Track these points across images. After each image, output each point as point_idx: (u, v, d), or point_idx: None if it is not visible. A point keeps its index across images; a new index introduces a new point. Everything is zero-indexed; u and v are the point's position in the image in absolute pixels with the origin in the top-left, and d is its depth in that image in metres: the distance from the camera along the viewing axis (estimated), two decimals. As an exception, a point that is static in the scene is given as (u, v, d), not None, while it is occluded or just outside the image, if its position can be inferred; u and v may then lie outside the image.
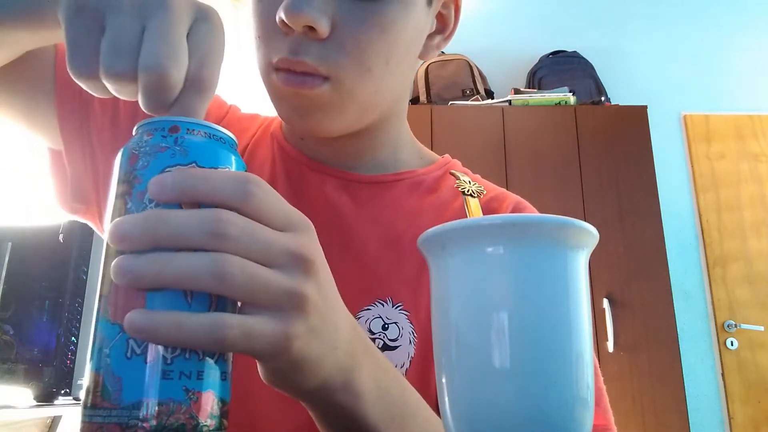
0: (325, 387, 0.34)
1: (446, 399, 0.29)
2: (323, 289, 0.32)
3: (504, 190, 0.65)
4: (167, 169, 0.30)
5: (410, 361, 0.52)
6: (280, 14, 0.45)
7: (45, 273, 1.68)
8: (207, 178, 0.29)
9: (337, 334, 0.34)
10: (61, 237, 1.73)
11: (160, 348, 0.28)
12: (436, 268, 0.31)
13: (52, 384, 1.94)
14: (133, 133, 0.32)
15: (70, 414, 1.83)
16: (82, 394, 0.29)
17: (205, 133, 0.31)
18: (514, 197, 0.64)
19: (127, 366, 0.27)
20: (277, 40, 0.48)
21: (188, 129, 0.31)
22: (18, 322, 1.87)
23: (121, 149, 0.32)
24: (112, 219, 0.30)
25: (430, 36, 0.57)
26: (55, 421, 1.80)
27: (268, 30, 0.48)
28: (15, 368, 1.82)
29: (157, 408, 0.27)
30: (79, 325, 2.10)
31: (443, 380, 0.30)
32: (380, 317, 0.53)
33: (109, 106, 0.57)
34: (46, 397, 1.85)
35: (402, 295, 0.54)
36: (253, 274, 0.28)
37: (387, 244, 0.56)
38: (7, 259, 1.76)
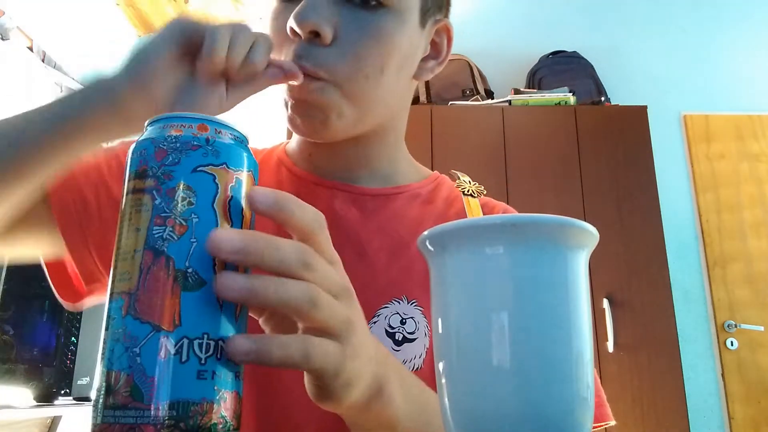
0: (364, 397, 0.37)
1: (446, 399, 0.29)
2: (359, 314, 0.36)
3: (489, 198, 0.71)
4: (200, 168, 0.30)
5: (426, 351, 0.57)
6: (290, 23, 0.52)
7: (45, 273, 1.68)
8: (298, 205, 0.32)
9: (369, 348, 0.37)
10: (61, 237, 1.72)
11: (194, 347, 0.28)
12: (436, 268, 0.31)
13: (52, 384, 1.94)
14: (149, 126, 0.32)
15: (70, 414, 1.83)
16: (95, 394, 0.28)
17: (231, 135, 0.32)
18: (502, 204, 0.70)
19: (161, 366, 0.27)
20: (287, 47, 0.54)
21: (216, 129, 0.31)
22: (18, 322, 1.87)
23: (140, 142, 0.31)
24: (133, 212, 0.29)
25: (425, 59, 0.63)
26: (55, 421, 1.80)
27: (280, 41, 0.54)
28: (15, 368, 1.82)
29: (191, 408, 0.27)
30: (79, 325, 2.10)
31: (443, 380, 0.30)
32: (398, 313, 0.57)
33: (102, 192, 0.58)
34: (46, 397, 1.85)
35: (415, 293, 0.59)
36: (331, 302, 0.32)
37: (396, 251, 0.61)
38: (7, 259, 1.76)
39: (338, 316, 0.33)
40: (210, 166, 0.30)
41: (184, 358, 0.28)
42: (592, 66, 2.80)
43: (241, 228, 0.31)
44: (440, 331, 0.30)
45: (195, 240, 0.29)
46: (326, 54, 0.52)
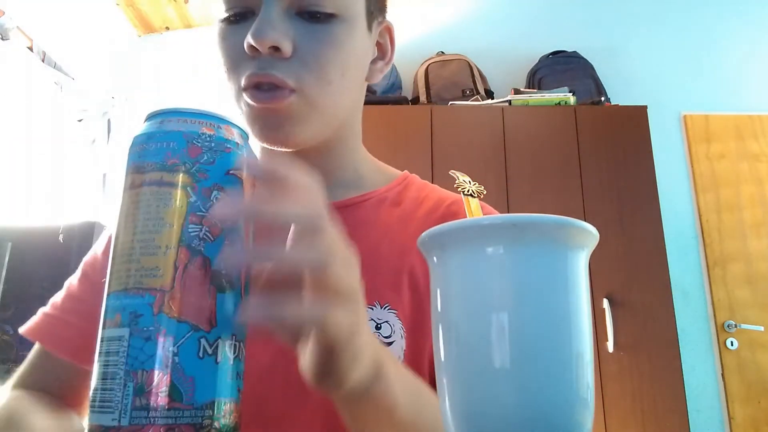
0: (365, 379, 0.36)
1: (446, 399, 0.29)
2: (362, 284, 0.36)
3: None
4: (231, 172, 0.31)
5: (404, 353, 0.58)
6: (248, 40, 0.52)
7: (45, 273, 1.68)
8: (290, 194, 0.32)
9: (368, 329, 0.37)
10: (61, 237, 1.73)
11: (226, 348, 0.28)
12: (436, 268, 0.31)
13: (52, 384, 1.93)
14: (157, 117, 0.31)
15: (70, 414, 1.82)
16: (108, 394, 0.26)
17: (247, 140, 0.34)
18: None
19: (200, 366, 0.27)
20: (244, 65, 0.54)
21: (241, 135, 0.33)
22: (18, 322, 1.87)
23: (162, 133, 0.30)
24: (160, 205, 0.28)
25: (373, 61, 0.65)
26: (55, 421, 1.79)
27: (236, 60, 0.55)
28: (15, 368, 1.82)
29: (224, 408, 0.27)
30: (79, 325, 2.10)
31: (443, 380, 0.30)
32: (372, 320, 0.58)
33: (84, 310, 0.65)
34: (46, 397, 1.84)
35: (387, 296, 0.59)
36: (340, 267, 0.32)
37: (365, 259, 0.60)
38: (7, 259, 1.76)
39: (347, 283, 0.33)
40: (239, 171, 0.31)
41: (219, 358, 0.27)
42: (592, 66, 2.79)
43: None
44: (440, 331, 0.30)
45: (228, 242, 0.29)
46: (290, 65, 0.54)
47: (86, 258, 0.69)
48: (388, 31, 0.67)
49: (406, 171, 0.72)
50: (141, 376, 0.26)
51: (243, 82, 0.54)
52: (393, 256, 0.61)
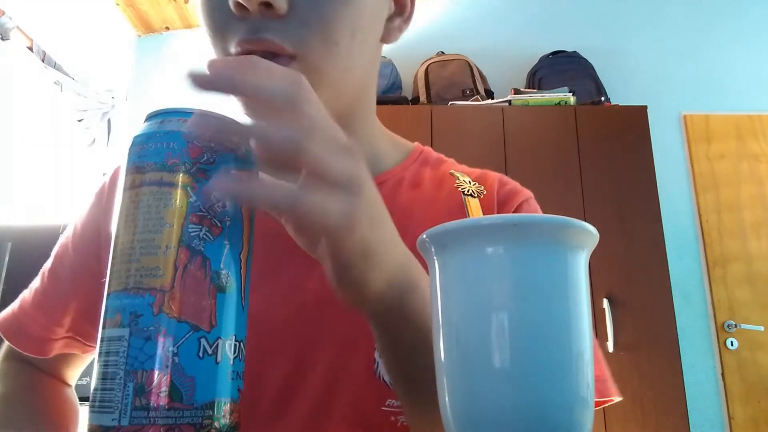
0: (394, 288, 0.34)
1: (446, 399, 0.29)
2: (372, 186, 0.34)
3: (484, 171, 0.67)
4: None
5: None
6: None
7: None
8: (266, 69, 0.31)
9: (394, 234, 0.35)
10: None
11: (226, 348, 0.28)
12: (436, 268, 0.31)
13: (52, 384, 1.93)
14: (169, 118, 0.31)
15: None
16: (108, 394, 0.26)
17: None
18: (497, 175, 0.66)
19: (200, 366, 0.27)
20: (232, 27, 0.45)
21: None
22: (18, 322, 1.86)
23: (161, 134, 0.30)
24: (160, 205, 0.29)
25: (390, 18, 0.55)
26: (55, 421, 1.79)
27: (221, 22, 0.46)
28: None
29: (224, 408, 0.27)
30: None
31: (443, 380, 0.30)
32: None
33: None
34: (46, 397, 1.84)
35: None
36: (324, 151, 0.29)
37: None
38: (7, 259, 1.76)
39: (338, 169, 0.30)
40: (239, 170, 0.31)
41: (219, 358, 0.27)
42: (592, 66, 2.80)
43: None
44: (440, 331, 0.30)
45: (227, 243, 0.29)
46: (287, 25, 0.44)
47: (56, 250, 0.66)
48: None
49: (417, 143, 0.66)
50: (141, 376, 0.26)
51: (231, 49, 0.45)
52: (415, 248, 0.56)
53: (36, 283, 0.66)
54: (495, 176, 0.65)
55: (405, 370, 0.38)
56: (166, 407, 0.26)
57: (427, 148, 0.65)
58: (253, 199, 0.29)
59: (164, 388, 0.26)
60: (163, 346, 0.26)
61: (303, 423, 0.50)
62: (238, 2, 0.43)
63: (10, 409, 0.62)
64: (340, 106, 0.51)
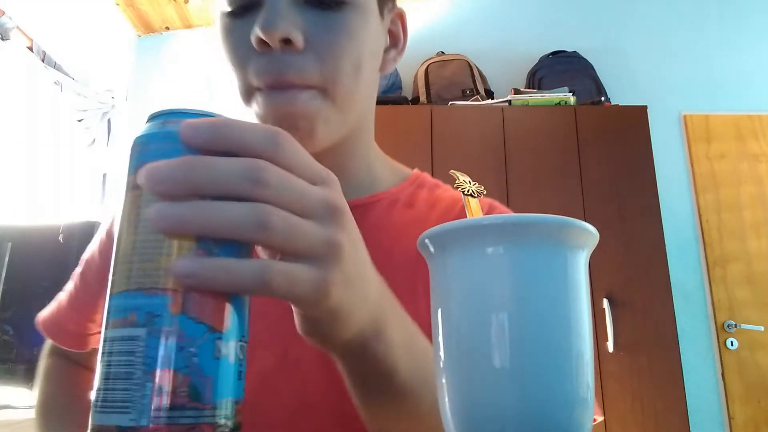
0: (359, 337, 0.35)
1: (446, 399, 0.29)
2: (353, 239, 0.33)
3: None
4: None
5: None
6: (257, 32, 0.48)
7: (45, 273, 1.68)
8: (240, 128, 0.28)
9: (368, 286, 0.34)
10: (61, 237, 1.73)
11: (238, 349, 0.28)
12: (436, 268, 0.31)
13: (52, 384, 1.93)
14: (171, 119, 0.30)
15: (70, 414, 1.82)
16: (122, 395, 0.26)
17: None
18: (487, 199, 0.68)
19: (216, 366, 0.27)
20: (254, 61, 0.51)
21: None
22: (18, 322, 1.87)
23: (164, 134, 0.30)
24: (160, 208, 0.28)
25: (386, 50, 0.62)
26: (55, 421, 1.79)
27: (243, 56, 0.51)
28: (15, 368, 1.81)
29: (236, 407, 0.28)
30: (79, 325, 2.10)
31: (443, 380, 0.30)
32: None
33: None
34: (46, 397, 1.84)
35: (402, 303, 0.56)
36: (293, 223, 0.28)
37: (379, 263, 0.58)
38: (7, 259, 1.76)
39: (311, 238, 0.29)
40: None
41: (231, 359, 0.28)
42: (592, 66, 2.80)
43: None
44: (440, 331, 0.30)
45: (236, 242, 0.29)
46: (304, 60, 0.50)
47: (85, 256, 0.72)
48: (400, 17, 0.63)
49: (416, 169, 0.69)
50: (161, 376, 0.26)
51: (255, 82, 0.51)
52: (407, 262, 0.57)
53: (69, 285, 0.73)
54: (485, 201, 0.68)
55: (370, 406, 0.41)
56: (186, 407, 0.26)
57: (425, 174, 0.69)
58: (215, 286, 0.27)
59: (185, 388, 0.26)
60: (183, 347, 0.26)
61: (289, 417, 0.53)
62: (261, 39, 0.48)
63: (54, 408, 0.72)
64: (347, 129, 0.57)
